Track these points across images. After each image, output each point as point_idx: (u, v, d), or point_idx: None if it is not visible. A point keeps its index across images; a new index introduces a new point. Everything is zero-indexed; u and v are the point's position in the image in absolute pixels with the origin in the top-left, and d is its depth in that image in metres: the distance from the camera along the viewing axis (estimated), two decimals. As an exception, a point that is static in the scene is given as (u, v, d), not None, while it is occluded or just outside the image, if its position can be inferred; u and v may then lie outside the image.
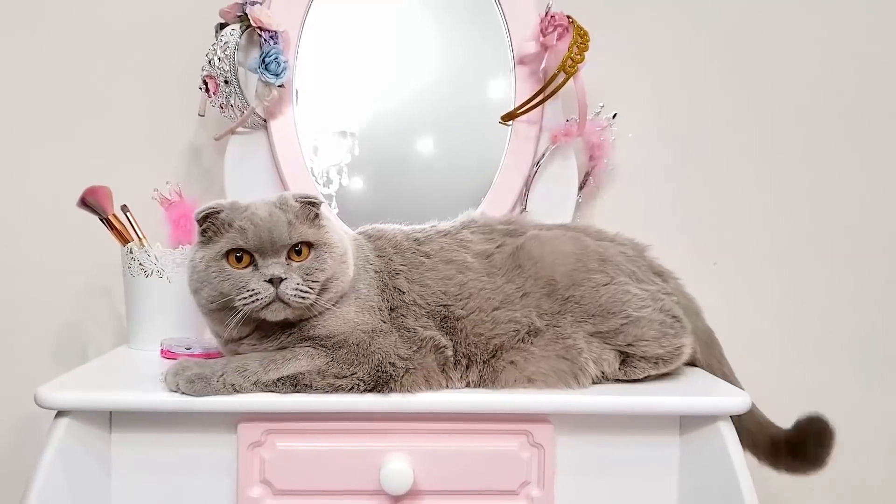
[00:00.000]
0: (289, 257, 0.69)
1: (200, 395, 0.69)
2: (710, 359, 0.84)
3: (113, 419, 0.73)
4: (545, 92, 0.95)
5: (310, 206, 0.72)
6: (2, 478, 1.10)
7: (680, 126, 1.13)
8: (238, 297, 0.67)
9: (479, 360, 0.73)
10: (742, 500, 0.68)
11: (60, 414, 0.70)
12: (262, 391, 0.69)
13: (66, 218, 0.99)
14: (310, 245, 0.71)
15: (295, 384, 0.69)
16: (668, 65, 1.12)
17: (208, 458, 0.73)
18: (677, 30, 1.12)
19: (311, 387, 0.69)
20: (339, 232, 0.75)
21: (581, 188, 1.07)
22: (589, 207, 1.11)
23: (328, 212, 0.78)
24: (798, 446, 0.77)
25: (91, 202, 0.92)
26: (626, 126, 1.08)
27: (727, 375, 0.84)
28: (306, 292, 0.68)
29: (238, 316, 0.68)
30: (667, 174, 1.13)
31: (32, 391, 0.70)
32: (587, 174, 1.07)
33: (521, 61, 1.01)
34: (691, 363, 0.83)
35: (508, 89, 1.03)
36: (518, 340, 0.73)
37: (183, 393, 0.69)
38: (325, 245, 0.71)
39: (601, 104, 1.04)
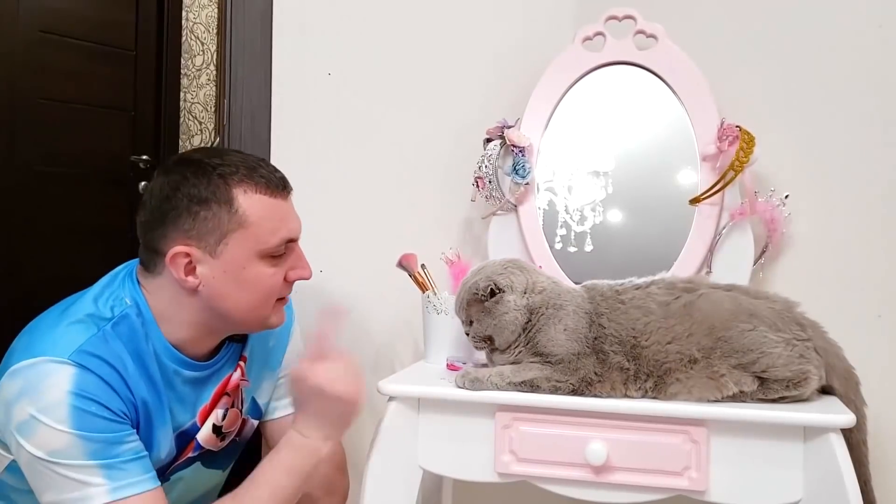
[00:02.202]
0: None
1: (476, 391, 1.10)
2: (847, 391, 1.09)
3: (420, 404, 1.12)
4: (719, 186, 1.26)
5: (481, 293, 1.12)
6: (353, 438, 1.47)
7: (847, 200, 1.35)
8: None
9: (654, 377, 1.06)
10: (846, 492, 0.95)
11: (391, 399, 1.13)
12: (512, 390, 1.08)
13: (388, 273, 1.40)
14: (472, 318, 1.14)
15: (531, 385, 1.08)
16: (832, 150, 1.36)
17: (477, 433, 1.10)
18: (836, 125, 1.36)
19: (540, 388, 1.08)
20: (504, 304, 1.12)
21: (762, 254, 1.35)
22: (771, 270, 1.37)
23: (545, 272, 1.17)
24: None
25: (405, 264, 1.39)
26: (800, 202, 1.34)
27: (858, 408, 1.08)
28: (476, 343, 1.16)
29: None
30: (837, 241, 1.36)
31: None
32: (766, 244, 1.35)
33: (704, 159, 1.32)
34: (830, 394, 1.09)
35: (696, 177, 1.34)
36: (682, 365, 1.06)
37: (466, 388, 1.10)
38: (478, 321, 1.13)
39: (772, 188, 1.32)
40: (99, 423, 0.96)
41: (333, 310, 1.10)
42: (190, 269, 1.03)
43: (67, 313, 1.02)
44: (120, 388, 0.99)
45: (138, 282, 1.07)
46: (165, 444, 1.07)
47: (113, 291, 1.06)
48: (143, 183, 2.27)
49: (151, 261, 1.06)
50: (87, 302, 1.04)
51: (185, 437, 1.11)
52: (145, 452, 1.00)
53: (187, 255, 1.02)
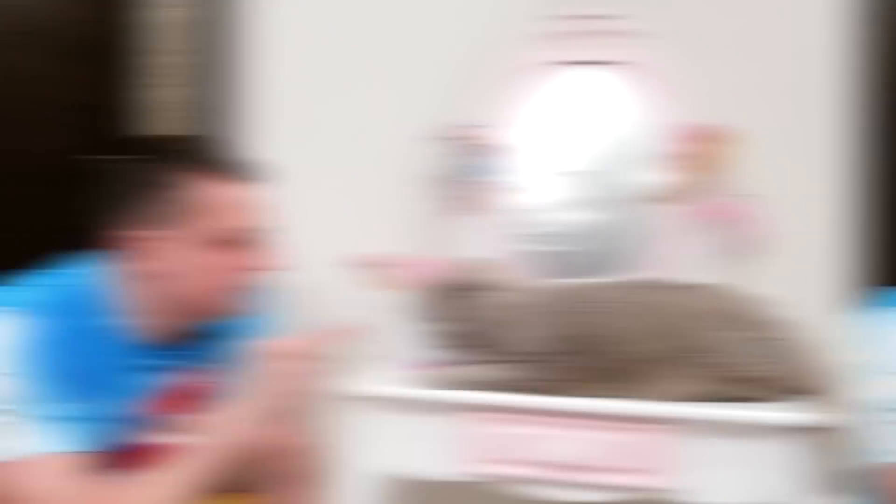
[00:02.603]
0: None
1: (443, 390, 1.08)
2: (822, 390, 1.07)
3: (386, 404, 1.10)
4: (691, 185, 1.26)
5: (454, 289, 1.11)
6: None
7: (826, 199, 1.37)
8: None
9: (624, 377, 1.05)
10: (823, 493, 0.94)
11: (355, 399, 1.10)
12: (480, 389, 1.06)
13: (352, 273, 1.40)
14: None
15: (499, 385, 1.06)
16: (811, 149, 1.38)
17: (444, 433, 1.08)
18: (814, 124, 1.38)
19: (508, 387, 1.06)
20: (476, 301, 1.10)
21: (736, 253, 1.34)
22: (746, 270, 1.34)
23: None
24: None
25: (369, 264, 1.37)
26: (779, 202, 1.33)
27: (834, 406, 1.06)
28: (444, 341, 1.13)
29: None
30: (815, 241, 1.36)
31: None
32: (732, 242, 1.34)
33: (676, 158, 1.31)
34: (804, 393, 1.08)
35: (668, 177, 1.33)
36: (652, 365, 1.04)
37: (433, 388, 1.08)
38: (449, 319, 1.12)
39: (748, 188, 1.31)
40: (37, 373, 0.96)
41: (346, 328, 1.08)
42: (144, 253, 1.03)
43: (19, 280, 1.04)
44: (63, 349, 0.99)
45: (94, 265, 1.07)
46: (115, 425, 1.04)
47: (68, 271, 1.06)
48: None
49: (106, 245, 1.06)
50: (39, 275, 1.05)
51: (135, 424, 1.07)
52: (82, 418, 0.99)
53: (141, 238, 1.02)
